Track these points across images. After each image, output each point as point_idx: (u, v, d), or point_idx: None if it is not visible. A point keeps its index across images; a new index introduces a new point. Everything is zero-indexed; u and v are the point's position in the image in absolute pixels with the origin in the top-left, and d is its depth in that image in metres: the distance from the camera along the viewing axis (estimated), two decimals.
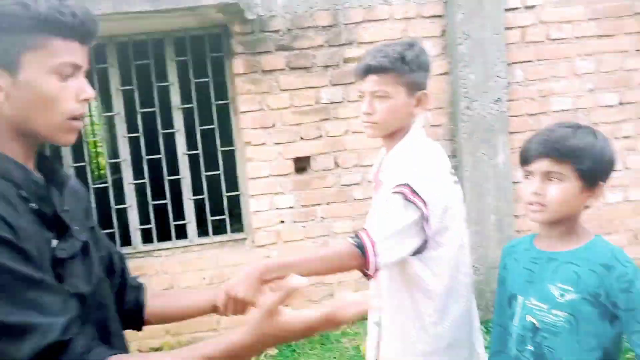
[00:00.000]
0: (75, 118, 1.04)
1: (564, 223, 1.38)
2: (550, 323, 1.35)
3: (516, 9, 3.59)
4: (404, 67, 1.53)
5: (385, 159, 1.64)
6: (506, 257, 1.55)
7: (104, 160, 7.06)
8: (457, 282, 1.56)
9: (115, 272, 1.29)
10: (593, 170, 1.32)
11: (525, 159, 1.38)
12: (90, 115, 5.36)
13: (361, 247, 1.41)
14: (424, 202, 1.45)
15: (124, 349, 1.18)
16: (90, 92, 1.05)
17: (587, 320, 1.30)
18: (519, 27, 3.60)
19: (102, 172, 7.52)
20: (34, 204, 1.00)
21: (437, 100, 3.68)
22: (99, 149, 7.08)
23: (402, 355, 1.61)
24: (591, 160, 1.31)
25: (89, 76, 3.36)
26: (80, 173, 3.82)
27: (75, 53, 1.02)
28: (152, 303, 1.34)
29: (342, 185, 3.71)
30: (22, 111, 0.99)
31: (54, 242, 1.02)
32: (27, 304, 0.89)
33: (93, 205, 3.69)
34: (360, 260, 1.42)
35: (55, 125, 1.02)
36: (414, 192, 1.45)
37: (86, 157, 3.77)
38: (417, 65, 1.55)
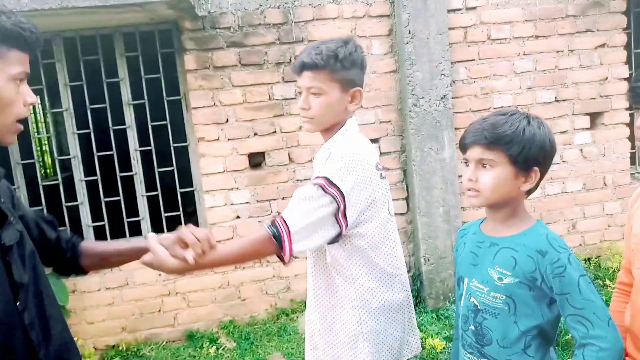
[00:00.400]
0: (20, 121, 1.18)
1: (503, 208, 1.42)
2: (489, 305, 1.40)
3: (458, 10, 3.76)
4: (336, 64, 1.56)
5: (318, 153, 1.70)
6: (458, 240, 1.60)
7: (49, 158, 6.90)
8: (381, 271, 1.62)
9: (50, 239, 1.45)
10: (523, 155, 1.35)
11: (462, 147, 1.44)
12: (35, 113, 5.23)
13: (277, 236, 1.47)
14: (342, 195, 1.49)
15: (64, 331, 1.32)
16: (33, 98, 1.19)
17: (524, 303, 1.35)
18: (461, 27, 3.77)
19: (48, 170, 7.33)
20: None
21: (386, 98, 3.82)
22: (44, 147, 6.89)
23: (326, 334, 1.67)
24: (521, 145, 1.34)
25: (37, 71, 3.30)
26: (29, 170, 3.75)
27: (26, 63, 1.18)
28: (87, 253, 1.53)
29: (296, 180, 3.79)
30: None
31: None
32: None
33: (43, 203, 3.64)
34: (276, 248, 1.48)
35: (5, 127, 1.16)
36: (332, 184, 1.49)
37: (34, 155, 3.70)
38: (350, 62, 1.59)
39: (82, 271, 1.55)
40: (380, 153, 3.84)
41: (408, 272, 3.99)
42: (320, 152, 1.68)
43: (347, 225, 1.53)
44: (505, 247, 1.41)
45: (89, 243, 1.58)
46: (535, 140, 1.36)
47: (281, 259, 1.50)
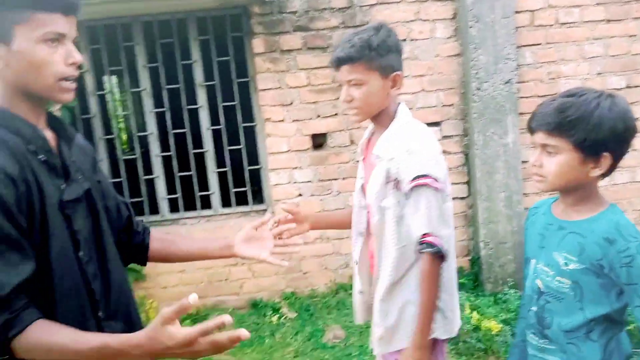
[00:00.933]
0: (65, 79, 1.19)
1: (573, 192, 1.37)
2: (554, 288, 1.38)
3: None
4: (371, 53, 1.58)
5: (381, 139, 1.69)
6: (528, 219, 1.56)
7: (125, 135, 7.35)
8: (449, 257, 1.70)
9: (122, 218, 1.49)
10: (590, 141, 1.27)
11: (529, 131, 1.39)
12: (112, 93, 5.59)
13: (438, 251, 1.59)
14: (444, 185, 1.62)
15: (124, 283, 1.38)
16: (77, 56, 1.20)
17: (591, 291, 1.32)
18: (528, 10, 3.71)
19: (124, 146, 7.83)
20: (42, 156, 1.19)
21: (448, 81, 3.84)
22: (120, 124, 7.34)
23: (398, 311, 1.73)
24: (585, 131, 1.26)
25: (117, 53, 3.58)
26: (110, 145, 4.07)
27: (58, 23, 1.16)
28: (155, 245, 1.56)
29: (357, 161, 3.91)
30: (20, 76, 1.16)
31: (64, 187, 1.22)
32: None
33: (124, 176, 3.96)
34: (440, 260, 1.61)
35: (48, 87, 1.17)
36: (435, 180, 1.59)
37: (114, 131, 4.00)
38: (385, 49, 1.60)
39: (143, 259, 1.57)
40: (442, 136, 3.89)
41: (467, 255, 4.07)
42: (387, 141, 1.68)
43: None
44: (573, 232, 1.36)
45: (158, 243, 1.59)
46: (603, 125, 1.26)
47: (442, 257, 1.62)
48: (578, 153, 1.29)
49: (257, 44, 3.74)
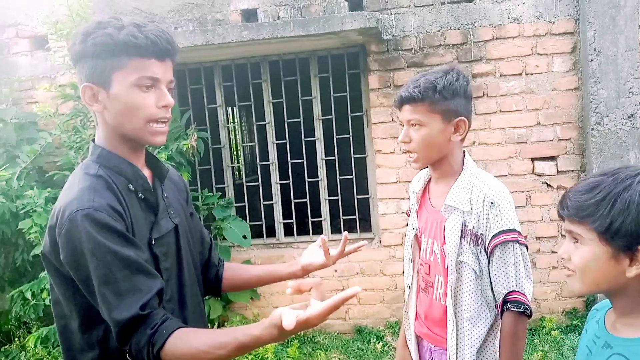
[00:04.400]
0: (156, 121, 1.25)
1: (618, 298, 1.08)
2: None
3: None
4: (435, 95, 1.55)
5: (455, 189, 1.64)
6: (587, 322, 1.27)
7: (242, 164, 7.95)
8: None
9: (204, 247, 1.55)
10: (615, 229, 1.01)
11: (559, 216, 1.15)
12: (241, 125, 6.13)
13: (526, 309, 1.57)
14: (525, 240, 1.61)
15: (200, 322, 1.43)
16: (168, 99, 1.25)
17: None
18: None
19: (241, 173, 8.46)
20: (140, 194, 1.28)
21: (566, 115, 3.75)
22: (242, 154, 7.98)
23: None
24: (609, 218, 1.01)
25: (246, 89, 3.99)
26: (234, 172, 4.48)
27: (152, 68, 1.22)
28: (227, 274, 1.60)
29: None
30: (117, 119, 1.24)
31: (153, 223, 1.30)
32: (123, 281, 1.14)
33: (246, 200, 4.32)
34: (526, 318, 1.58)
35: (139, 129, 1.24)
36: (520, 234, 1.58)
37: (241, 160, 4.41)
38: (450, 92, 1.56)
39: (218, 290, 1.61)
40: (557, 171, 3.79)
41: (581, 296, 3.85)
42: (461, 191, 1.63)
43: None
44: (618, 353, 1.06)
45: (229, 272, 1.63)
46: (631, 210, 0.99)
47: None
48: (605, 246, 1.03)
49: (373, 80, 3.96)
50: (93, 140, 1.33)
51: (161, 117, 1.26)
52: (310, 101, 4.21)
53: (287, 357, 3.69)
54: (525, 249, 1.59)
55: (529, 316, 1.58)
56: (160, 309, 1.18)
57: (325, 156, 4.23)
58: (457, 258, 1.60)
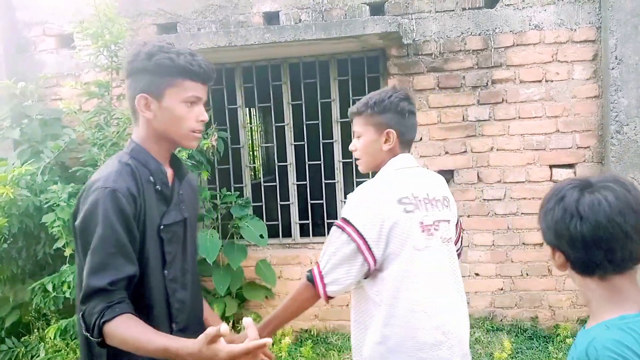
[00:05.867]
0: (194, 131, 1.52)
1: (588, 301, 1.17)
2: None
3: None
4: (367, 110, 1.78)
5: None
6: None
7: (259, 164, 8.02)
8: (403, 309, 1.67)
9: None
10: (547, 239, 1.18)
11: None
12: (258, 126, 6.19)
13: (311, 279, 1.70)
14: (359, 233, 1.63)
15: (197, 302, 1.65)
16: (205, 116, 1.52)
17: None
18: None
19: (257, 173, 8.51)
20: (158, 186, 1.50)
21: (585, 123, 3.75)
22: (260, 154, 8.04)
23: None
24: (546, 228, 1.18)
25: (266, 91, 4.04)
26: (252, 172, 4.52)
27: (198, 90, 1.50)
28: None
29: (484, 199, 3.93)
30: (163, 125, 1.49)
31: (164, 212, 1.51)
32: (108, 256, 1.35)
33: (263, 200, 4.37)
34: (313, 292, 1.70)
35: (182, 135, 1.51)
36: (347, 222, 1.66)
37: (259, 160, 4.46)
38: (382, 108, 1.76)
39: None
40: None
41: None
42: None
43: (375, 260, 1.65)
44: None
45: None
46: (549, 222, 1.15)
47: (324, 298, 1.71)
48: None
49: (392, 84, 3.98)
50: (131, 138, 1.57)
51: (198, 128, 1.53)
52: (329, 104, 4.24)
53: (300, 356, 3.72)
54: (344, 237, 1.66)
55: (311, 282, 1.72)
56: (122, 290, 1.37)
57: (343, 158, 4.26)
58: None
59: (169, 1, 4.23)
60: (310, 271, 1.73)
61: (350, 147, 1.87)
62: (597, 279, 1.12)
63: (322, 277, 1.69)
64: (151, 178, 1.50)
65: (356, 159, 1.88)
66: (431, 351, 1.67)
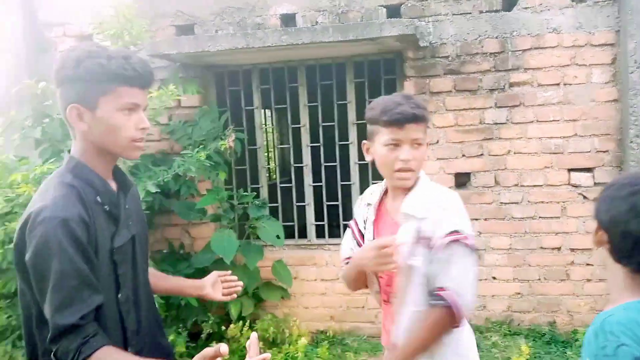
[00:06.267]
0: (135, 141, 1.41)
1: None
2: None
3: None
4: (428, 116, 1.70)
5: (410, 199, 1.70)
6: None
7: (274, 165, 8.05)
8: None
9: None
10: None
11: None
12: (273, 128, 6.22)
13: (450, 306, 1.59)
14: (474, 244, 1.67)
15: (153, 321, 1.61)
16: (145, 124, 1.42)
17: None
18: None
19: (272, 175, 8.54)
20: (106, 207, 1.42)
21: (604, 127, 3.73)
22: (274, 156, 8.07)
23: None
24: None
25: (283, 93, 4.06)
26: (268, 173, 4.54)
27: (135, 96, 1.39)
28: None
29: (500, 202, 3.92)
30: (99, 137, 1.38)
31: (114, 234, 1.43)
32: (73, 290, 1.27)
33: (279, 201, 4.39)
34: (451, 318, 1.60)
35: (122, 147, 1.40)
36: (468, 237, 1.63)
37: (275, 161, 4.48)
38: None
39: None
40: (594, 183, 3.76)
41: None
42: (417, 200, 1.72)
43: None
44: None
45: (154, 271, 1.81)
46: None
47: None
48: None
49: (409, 86, 3.99)
50: (69, 152, 1.47)
51: (139, 137, 1.42)
52: (344, 106, 4.26)
53: (317, 357, 3.73)
54: (472, 251, 1.64)
55: (455, 318, 1.61)
56: (93, 322, 1.30)
57: (358, 160, 4.26)
58: (409, 261, 1.63)
59: (187, 3, 4.27)
60: (439, 296, 1.60)
61: (407, 156, 1.63)
62: (629, 270, 1.18)
63: (458, 301, 1.60)
64: (98, 198, 1.40)
65: (406, 170, 1.65)
66: None
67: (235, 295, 1.90)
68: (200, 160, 3.63)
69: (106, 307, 1.37)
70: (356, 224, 1.91)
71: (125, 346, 1.44)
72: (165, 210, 4.21)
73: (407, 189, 1.71)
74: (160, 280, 1.81)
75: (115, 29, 3.65)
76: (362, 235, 1.85)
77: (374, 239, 1.76)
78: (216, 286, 1.86)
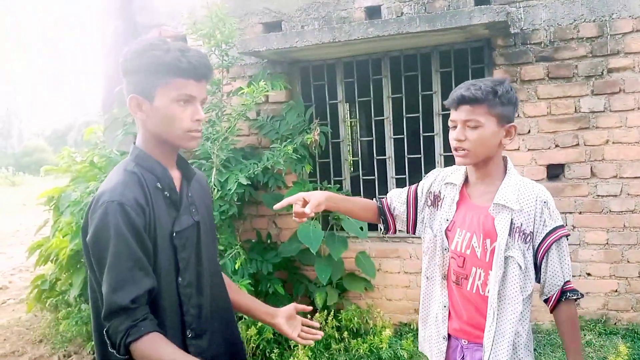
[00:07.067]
0: (190, 132, 1.44)
1: None
2: None
3: None
4: (495, 99, 1.65)
5: (504, 189, 1.73)
6: None
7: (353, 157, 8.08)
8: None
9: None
10: None
11: None
12: (357, 121, 6.25)
13: (582, 295, 1.78)
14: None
15: (225, 311, 1.65)
16: (200, 115, 1.45)
17: None
18: None
19: (351, 167, 8.61)
20: (166, 192, 1.46)
21: None
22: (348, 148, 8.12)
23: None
24: None
25: (367, 85, 4.08)
26: (354, 166, 4.58)
27: (190, 87, 1.42)
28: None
29: (597, 195, 3.72)
30: (157, 127, 1.43)
31: (175, 218, 1.47)
32: (127, 271, 1.31)
33: (362, 194, 4.42)
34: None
35: (177, 136, 1.44)
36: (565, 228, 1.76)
37: (358, 154, 4.51)
38: (507, 99, 1.68)
39: None
40: None
41: None
42: (512, 192, 1.72)
43: None
44: None
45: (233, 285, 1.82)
46: None
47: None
48: None
49: (498, 75, 3.87)
50: (134, 143, 1.53)
51: (195, 128, 1.46)
52: (429, 96, 4.20)
53: (401, 349, 3.73)
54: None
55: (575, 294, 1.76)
56: (145, 306, 1.35)
57: (444, 152, 4.20)
58: (505, 253, 1.69)
59: (274, 0, 4.39)
60: (573, 292, 1.74)
61: (458, 136, 1.70)
62: None
63: (569, 290, 1.76)
64: (158, 184, 1.45)
65: (458, 149, 1.71)
66: None
67: (312, 342, 1.83)
68: (287, 153, 3.74)
69: (164, 290, 1.42)
70: (415, 192, 2.01)
71: (182, 329, 1.47)
72: (253, 202, 4.37)
73: (491, 177, 1.77)
74: (234, 293, 1.80)
75: (207, 29, 3.82)
76: (415, 202, 1.99)
77: (453, 218, 1.82)
78: (293, 323, 1.81)
